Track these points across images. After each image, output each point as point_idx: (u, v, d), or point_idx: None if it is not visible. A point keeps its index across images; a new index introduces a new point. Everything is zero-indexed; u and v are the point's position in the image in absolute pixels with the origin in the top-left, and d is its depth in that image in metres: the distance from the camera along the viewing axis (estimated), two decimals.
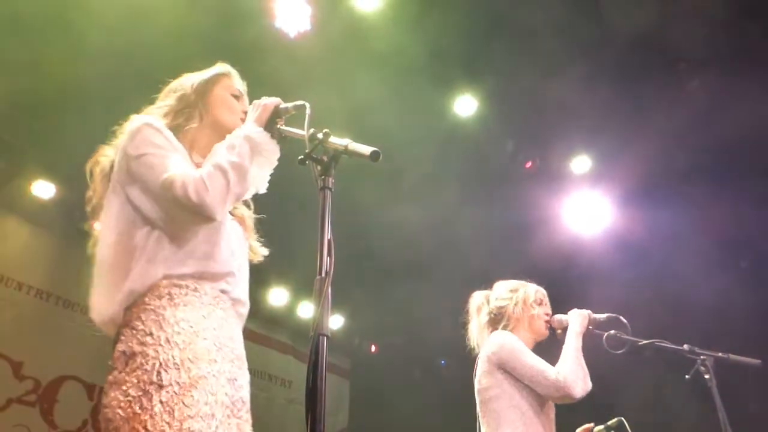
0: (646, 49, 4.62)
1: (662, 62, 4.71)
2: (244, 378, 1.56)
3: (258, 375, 7.04)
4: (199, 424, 1.29)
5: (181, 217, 1.52)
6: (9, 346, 5.22)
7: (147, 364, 1.34)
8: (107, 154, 1.69)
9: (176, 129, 1.72)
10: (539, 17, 4.35)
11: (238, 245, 1.71)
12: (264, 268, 1.88)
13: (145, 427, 1.27)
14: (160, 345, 1.36)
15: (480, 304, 2.82)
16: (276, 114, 1.73)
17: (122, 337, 1.43)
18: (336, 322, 7.53)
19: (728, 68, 4.55)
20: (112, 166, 1.64)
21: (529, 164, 5.59)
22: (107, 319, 1.51)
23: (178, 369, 1.33)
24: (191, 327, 1.43)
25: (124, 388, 1.33)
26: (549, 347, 2.76)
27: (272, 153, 1.68)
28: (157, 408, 1.28)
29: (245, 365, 1.60)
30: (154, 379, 1.32)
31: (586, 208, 5.85)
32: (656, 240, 5.78)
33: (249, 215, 1.85)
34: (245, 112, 1.82)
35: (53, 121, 4.78)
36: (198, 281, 1.52)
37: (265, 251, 1.86)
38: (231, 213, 1.75)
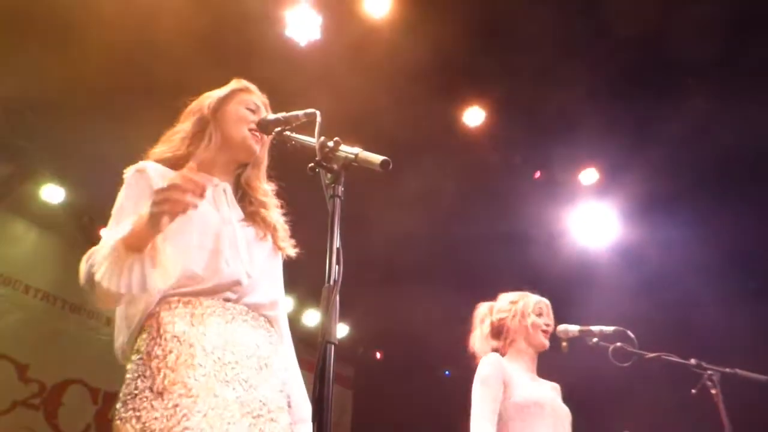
0: (651, 60, 4.63)
1: (667, 74, 4.71)
2: (263, 377, 1.54)
3: None
4: (161, 425, 1.34)
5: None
6: (15, 349, 5.24)
7: (128, 379, 1.45)
8: None
9: (190, 155, 1.72)
10: (545, 29, 4.36)
11: (252, 249, 1.68)
12: None
13: None
14: (141, 360, 1.45)
15: (484, 315, 2.87)
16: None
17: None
18: (339, 330, 7.49)
19: (734, 79, 4.55)
20: None
21: (537, 174, 5.59)
22: (119, 350, 1.56)
23: (154, 378, 1.40)
24: (175, 337, 1.46)
25: (116, 406, 1.44)
26: (549, 359, 2.75)
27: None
28: (129, 414, 1.38)
29: (265, 365, 1.56)
30: (132, 389, 1.41)
31: (592, 218, 5.84)
32: (662, 252, 5.76)
33: (279, 222, 1.81)
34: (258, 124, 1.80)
35: (63, 126, 4.81)
36: (192, 296, 1.53)
37: (293, 250, 1.84)
38: (252, 218, 1.74)
